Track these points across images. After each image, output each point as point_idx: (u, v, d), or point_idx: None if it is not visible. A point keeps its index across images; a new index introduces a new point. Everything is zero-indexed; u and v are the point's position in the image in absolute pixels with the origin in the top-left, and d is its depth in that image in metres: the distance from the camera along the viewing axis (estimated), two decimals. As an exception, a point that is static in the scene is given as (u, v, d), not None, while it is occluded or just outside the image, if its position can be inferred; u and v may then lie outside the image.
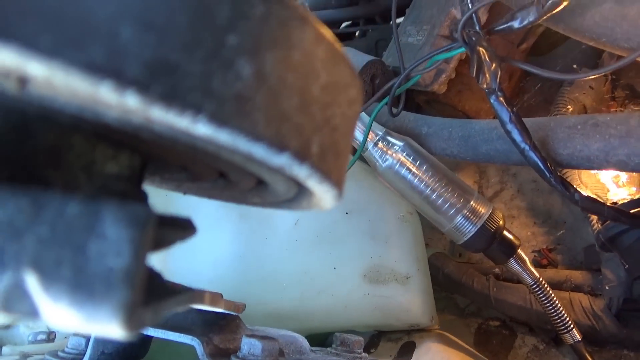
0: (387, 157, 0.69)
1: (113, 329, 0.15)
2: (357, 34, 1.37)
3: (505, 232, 0.68)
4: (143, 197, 0.22)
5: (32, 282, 0.14)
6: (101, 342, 0.48)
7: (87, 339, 0.49)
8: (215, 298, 0.36)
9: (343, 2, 1.33)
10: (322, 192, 0.21)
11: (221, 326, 0.51)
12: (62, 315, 0.14)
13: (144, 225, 0.15)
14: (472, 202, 0.67)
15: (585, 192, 0.59)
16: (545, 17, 0.55)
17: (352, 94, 0.21)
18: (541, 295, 0.71)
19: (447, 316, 0.95)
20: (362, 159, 0.73)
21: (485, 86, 0.59)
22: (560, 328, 0.72)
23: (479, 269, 0.92)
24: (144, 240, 0.15)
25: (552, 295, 0.71)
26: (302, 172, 0.18)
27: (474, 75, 0.60)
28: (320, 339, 0.73)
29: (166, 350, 0.52)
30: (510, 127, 0.58)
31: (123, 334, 0.15)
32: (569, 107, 0.84)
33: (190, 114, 0.14)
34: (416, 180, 0.67)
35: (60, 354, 0.49)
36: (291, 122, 0.17)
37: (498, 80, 0.58)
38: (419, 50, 0.89)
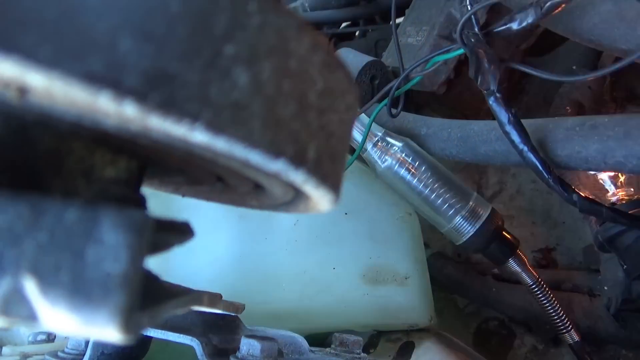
0: (387, 157, 0.69)
1: (111, 333, 0.15)
2: (356, 34, 1.37)
3: (504, 233, 0.69)
4: (141, 201, 0.23)
5: (30, 287, 0.15)
6: (101, 343, 0.48)
7: (87, 339, 0.49)
8: (214, 299, 0.37)
9: (343, 2, 1.33)
10: (319, 197, 0.21)
11: (220, 326, 0.51)
12: (60, 319, 0.15)
13: (141, 230, 0.15)
14: (471, 203, 0.67)
15: (583, 193, 0.59)
16: (544, 19, 0.55)
17: (348, 100, 0.21)
18: (540, 295, 0.71)
19: (446, 316, 0.96)
20: (362, 159, 0.74)
21: (484, 87, 0.59)
22: (559, 328, 0.72)
23: (478, 269, 0.92)
24: (141, 245, 0.15)
25: (551, 295, 0.71)
26: (298, 178, 0.18)
27: (472, 76, 0.60)
28: (319, 339, 0.73)
29: (166, 350, 0.52)
30: (508, 128, 0.58)
31: (121, 338, 0.15)
32: (567, 108, 0.84)
33: (187, 122, 0.15)
34: (415, 180, 0.68)
35: (60, 354, 0.49)
36: (287, 129, 0.17)
37: (497, 81, 0.59)
38: (418, 50, 0.89)
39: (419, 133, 0.75)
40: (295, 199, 0.24)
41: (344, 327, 0.70)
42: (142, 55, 0.14)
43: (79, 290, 0.15)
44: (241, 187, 0.25)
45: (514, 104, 0.69)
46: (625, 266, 0.70)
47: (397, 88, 0.73)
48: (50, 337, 0.60)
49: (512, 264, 0.70)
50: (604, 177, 0.76)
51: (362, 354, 0.52)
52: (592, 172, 0.77)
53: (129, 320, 0.15)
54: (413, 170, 0.68)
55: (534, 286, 0.70)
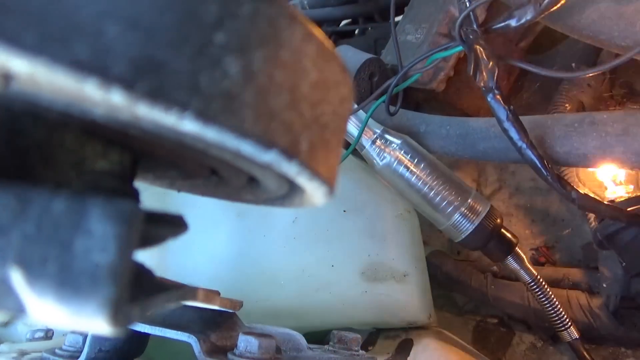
0: (385, 155, 0.69)
1: (99, 325, 0.15)
2: (356, 32, 1.37)
3: (502, 230, 0.69)
4: (134, 194, 0.23)
5: (17, 278, 0.14)
6: (98, 340, 0.48)
7: (85, 336, 0.49)
8: (211, 295, 0.36)
9: (342, 0, 1.33)
10: (313, 189, 0.21)
11: (218, 323, 0.51)
12: (48, 311, 0.14)
13: (130, 221, 0.15)
14: (469, 200, 0.67)
15: (582, 190, 0.59)
16: (542, 16, 0.55)
17: (342, 91, 0.21)
18: (539, 293, 0.71)
19: (445, 314, 0.96)
20: (361, 156, 0.73)
21: (482, 84, 0.59)
22: (558, 326, 0.72)
23: (477, 267, 0.92)
24: (130, 236, 0.15)
25: (550, 293, 0.71)
26: (291, 169, 0.18)
27: (471, 73, 0.60)
28: (317, 336, 0.73)
29: (163, 347, 0.52)
30: (507, 125, 0.58)
31: (109, 330, 0.15)
32: (566, 105, 0.84)
33: (176, 111, 0.14)
34: (414, 178, 0.68)
35: (57, 351, 0.49)
36: (279, 120, 0.17)
37: (495, 78, 0.58)
38: (417, 48, 0.89)
39: (417, 130, 0.75)
40: (290, 192, 0.24)
41: (342, 324, 0.70)
42: (130, 42, 0.14)
43: (66, 281, 0.14)
44: (236, 180, 0.25)
45: (513, 101, 0.69)
46: (624, 263, 0.70)
47: (396, 85, 0.73)
48: (48, 335, 0.60)
49: (511, 262, 0.69)
50: (603, 174, 0.75)
51: (361, 352, 0.52)
52: (591, 169, 0.77)
53: (118, 311, 0.15)
54: (412, 168, 0.67)
55: (532, 284, 0.70)
